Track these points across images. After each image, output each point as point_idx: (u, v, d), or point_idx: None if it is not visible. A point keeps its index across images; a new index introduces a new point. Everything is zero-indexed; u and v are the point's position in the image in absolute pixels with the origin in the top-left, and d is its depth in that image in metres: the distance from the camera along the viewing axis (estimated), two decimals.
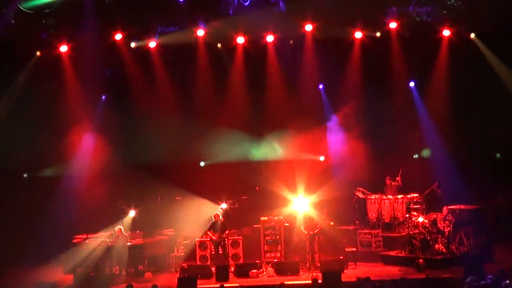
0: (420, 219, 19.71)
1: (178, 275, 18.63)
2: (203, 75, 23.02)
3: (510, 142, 22.25)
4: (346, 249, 19.90)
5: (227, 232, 19.99)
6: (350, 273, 18.42)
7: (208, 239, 20.05)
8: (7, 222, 21.40)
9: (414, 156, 23.30)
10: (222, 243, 19.89)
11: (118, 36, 22.15)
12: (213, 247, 20.00)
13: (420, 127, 23.14)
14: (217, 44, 22.84)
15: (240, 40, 22.58)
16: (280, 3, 20.97)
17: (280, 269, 19.09)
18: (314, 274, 18.00)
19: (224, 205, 21.74)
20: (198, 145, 23.28)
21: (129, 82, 22.90)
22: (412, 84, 23.19)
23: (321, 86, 23.48)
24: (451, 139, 22.49)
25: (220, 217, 20.07)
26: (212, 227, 19.98)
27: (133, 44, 22.52)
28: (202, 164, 23.65)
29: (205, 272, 18.93)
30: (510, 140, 22.27)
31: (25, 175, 22.48)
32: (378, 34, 22.33)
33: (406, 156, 23.06)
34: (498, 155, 22.96)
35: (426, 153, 23.19)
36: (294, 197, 21.31)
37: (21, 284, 18.94)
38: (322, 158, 23.27)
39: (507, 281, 13.39)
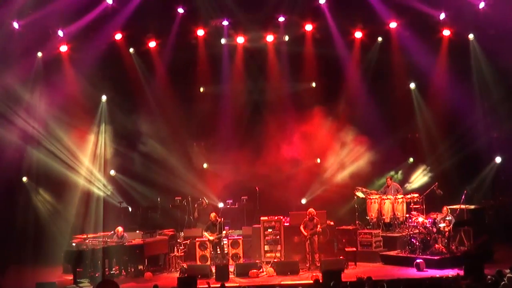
0: (420, 219, 19.71)
1: (178, 275, 18.64)
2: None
3: (510, 142, 22.22)
4: (346, 249, 19.91)
5: (224, 232, 19.99)
6: (350, 273, 18.42)
7: (206, 239, 20.06)
8: (7, 223, 21.46)
9: (410, 160, 23.25)
10: (221, 244, 19.93)
11: (118, 36, 22.27)
12: (211, 247, 20.01)
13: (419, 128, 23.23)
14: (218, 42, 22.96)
15: (240, 40, 22.68)
16: None
17: (280, 269, 19.09)
18: (314, 274, 18.03)
19: (221, 205, 21.92)
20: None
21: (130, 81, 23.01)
22: (412, 85, 23.17)
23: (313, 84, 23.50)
24: (451, 140, 22.52)
25: (218, 218, 20.06)
26: (210, 227, 20.00)
27: (131, 50, 22.67)
28: (205, 166, 23.69)
29: (205, 272, 18.93)
30: (510, 140, 22.24)
31: (24, 179, 22.41)
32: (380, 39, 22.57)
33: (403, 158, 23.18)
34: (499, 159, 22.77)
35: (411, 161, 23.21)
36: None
37: (21, 284, 18.93)
38: (318, 161, 23.28)
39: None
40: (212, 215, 20.12)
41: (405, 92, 23.13)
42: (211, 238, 19.84)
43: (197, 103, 23.34)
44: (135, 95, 23.07)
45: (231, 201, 22.20)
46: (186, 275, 18.48)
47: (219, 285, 15.55)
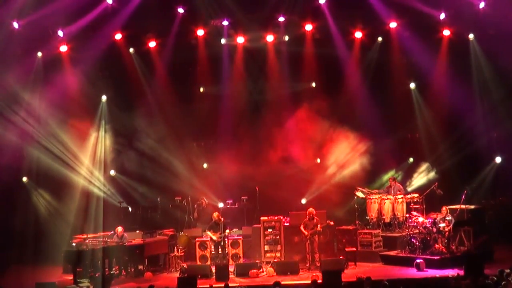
0: (420, 219, 19.71)
1: (178, 275, 18.64)
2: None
3: (510, 142, 22.22)
4: (346, 249, 19.91)
5: (227, 232, 20.00)
6: (350, 273, 18.41)
7: (208, 239, 20.07)
8: (8, 223, 21.47)
9: (410, 160, 23.24)
10: (222, 243, 19.94)
11: (118, 36, 22.29)
12: (212, 247, 20.02)
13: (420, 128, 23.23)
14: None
15: (240, 40, 22.70)
16: None
17: (280, 269, 19.09)
18: (314, 274, 18.03)
19: (221, 205, 21.96)
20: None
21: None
22: (412, 85, 23.17)
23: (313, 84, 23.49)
24: (451, 140, 22.52)
25: (220, 217, 20.08)
26: (212, 227, 20.00)
27: (131, 50, 22.68)
28: (205, 166, 23.71)
29: (205, 272, 18.93)
30: (510, 140, 22.24)
31: (24, 179, 22.42)
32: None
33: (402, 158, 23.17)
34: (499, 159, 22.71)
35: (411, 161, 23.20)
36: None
37: (21, 284, 18.92)
38: (318, 161, 23.28)
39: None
40: (215, 214, 20.11)
41: (405, 92, 23.13)
42: (214, 237, 19.84)
43: (197, 103, 23.38)
44: (135, 95, 23.11)
45: (231, 201, 22.21)
46: (186, 275, 18.48)
47: (222, 285, 15.55)
